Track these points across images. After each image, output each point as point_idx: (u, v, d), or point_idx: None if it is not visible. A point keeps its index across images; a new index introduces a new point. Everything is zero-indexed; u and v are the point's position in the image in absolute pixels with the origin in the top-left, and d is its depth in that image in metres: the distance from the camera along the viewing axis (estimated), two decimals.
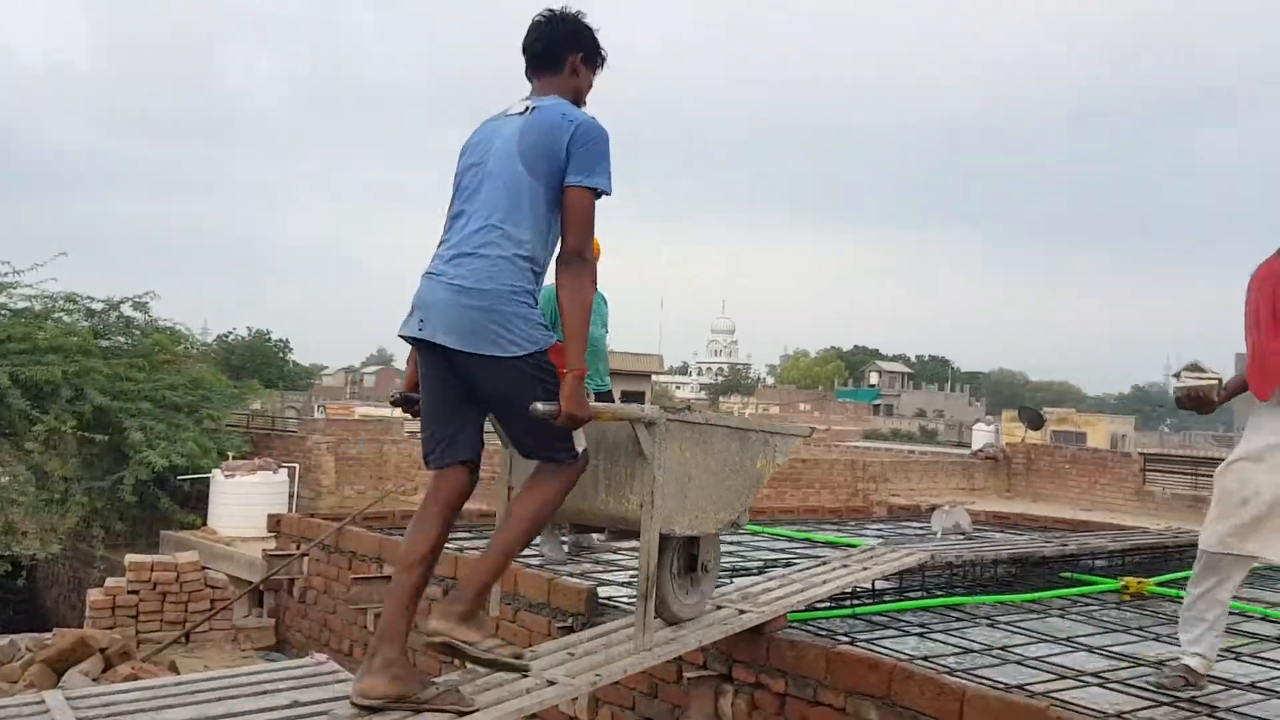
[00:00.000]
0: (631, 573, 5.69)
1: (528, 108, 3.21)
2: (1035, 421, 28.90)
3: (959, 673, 3.85)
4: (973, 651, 4.27)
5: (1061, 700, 3.56)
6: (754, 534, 7.70)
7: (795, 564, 5.65)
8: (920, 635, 4.52)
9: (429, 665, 4.91)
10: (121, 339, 14.94)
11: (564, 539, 6.24)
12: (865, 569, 5.05)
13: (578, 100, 3.33)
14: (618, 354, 34.54)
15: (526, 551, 6.17)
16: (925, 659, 4.06)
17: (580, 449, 3.17)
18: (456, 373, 3.07)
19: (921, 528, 8.33)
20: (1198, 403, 3.85)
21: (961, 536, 7.33)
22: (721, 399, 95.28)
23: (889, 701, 3.58)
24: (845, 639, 4.25)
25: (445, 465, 3.18)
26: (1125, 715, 3.46)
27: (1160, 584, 5.73)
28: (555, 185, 3.09)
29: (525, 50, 3.36)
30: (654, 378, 41.66)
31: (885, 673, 3.60)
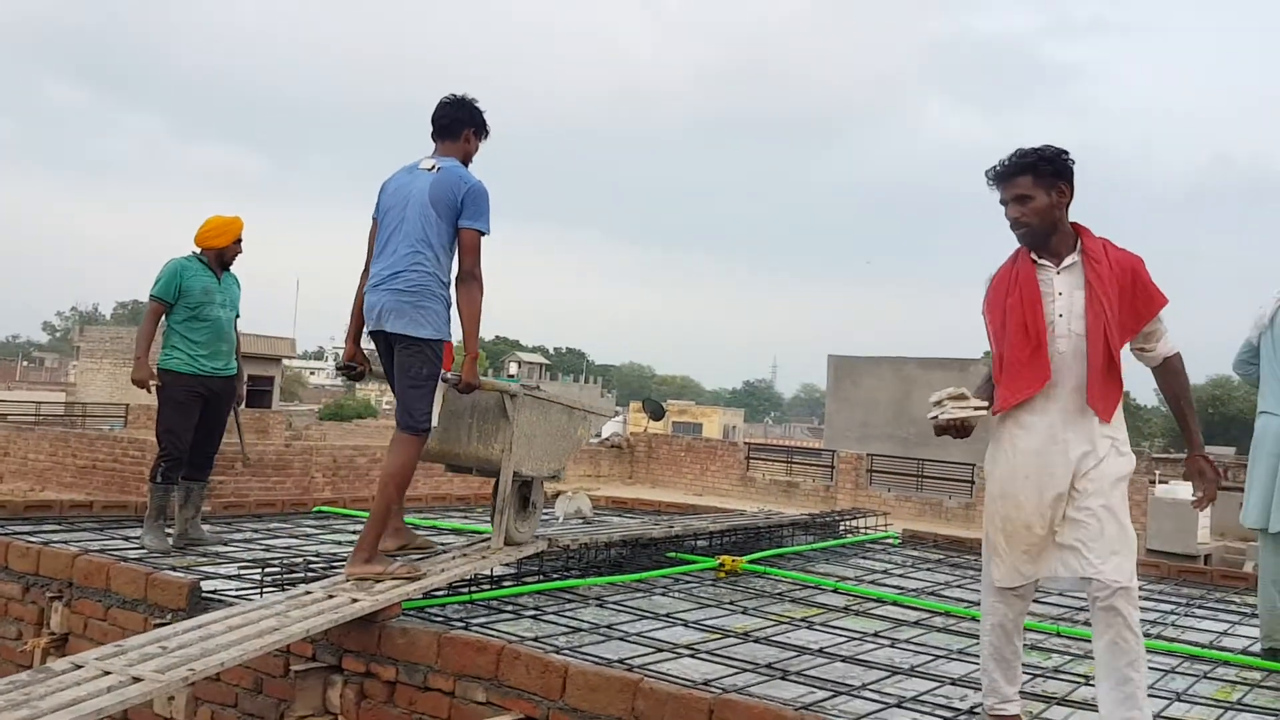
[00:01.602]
0: (241, 564, 5.43)
1: (434, 167, 4.59)
2: (657, 413, 30.58)
3: (566, 651, 4.02)
4: (581, 630, 4.47)
5: (656, 671, 3.81)
6: None
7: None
8: (534, 617, 4.66)
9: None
10: None
11: (169, 530, 5.84)
12: (484, 557, 5.13)
13: (466, 159, 4.74)
14: (246, 335, 32.79)
15: (125, 545, 5.73)
16: (536, 639, 4.19)
17: (431, 424, 4.51)
18: (390, 348, 4.52)
19: (546, 513, 8.58)
20: (960, 431, 3.45)
21: (582, 521, 7.62)
22: (359, 385, 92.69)
23: (497, 682, 3.67)
24: (460, 624, 4.30)
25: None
26: (711, 682, 3.76)
27: (751, 561, 6.28)
28: (453, 224, 4.50)
29: (434, 121, 4.72)
30: (285, 361, 39.87)
31: (493, 654, 3.69)
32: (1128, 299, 3.30)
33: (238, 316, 6.14)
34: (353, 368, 4.83)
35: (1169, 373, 3.48)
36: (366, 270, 4.66)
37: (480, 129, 4.79)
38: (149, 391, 5.93)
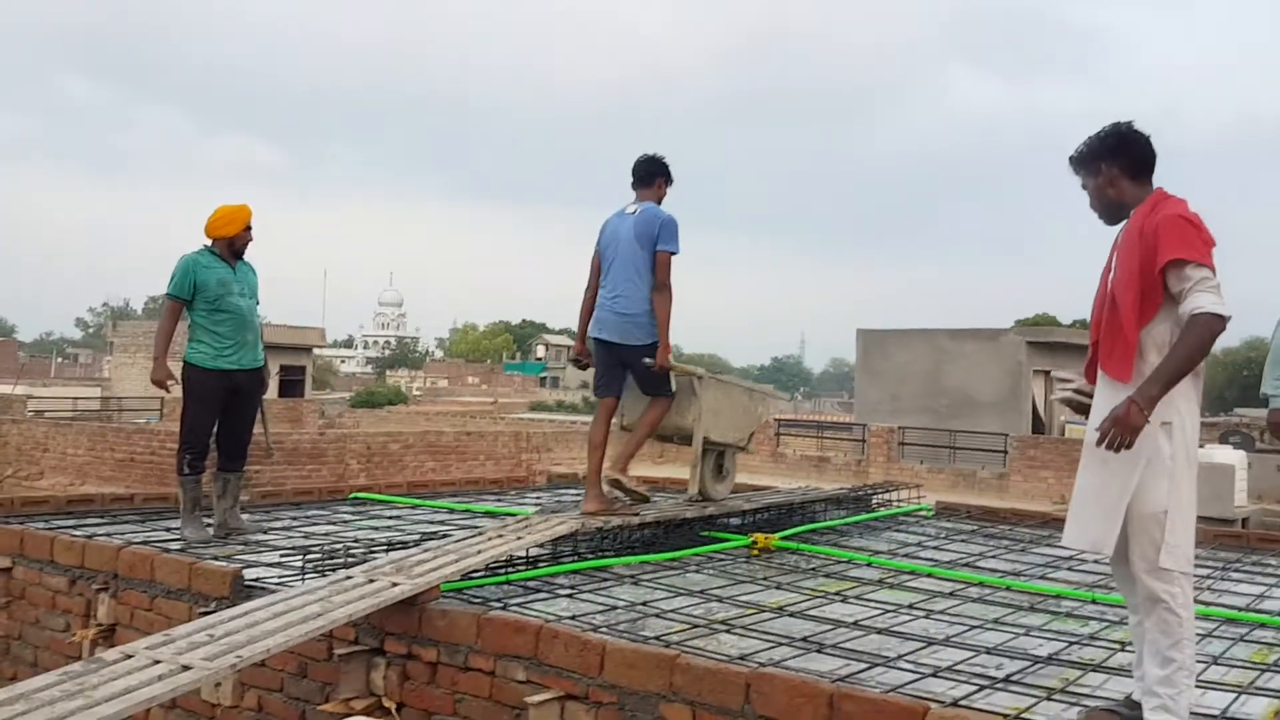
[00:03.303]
0: (281, 552, 5.52)
1: (636, 210, 6.04)
2: None
3: (603, 629, 4.06)
4: (617, 609, 4.51)
5: (693, 647, 3.85)
6: (414, 507, 7.68)
7: (453, 535, 5.71)
8: (570, 596, 4.71)
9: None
10: None
11: (208, 521, 5.93)
12: (520, 538, 5.19)
13: (659, 201, 6.13)
14: (276, 327, 32.88)
15: (167, 537, 5.84)
16: (573, 618, 4.24)
17: (672, 390, 6.08)
18: (614, 354, 6.00)
19: (578, 495, 8.63)
20: (1081, 409, 3.59)
21: (614, 501, 7.66)
22: (389, 373, 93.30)
23: (536, 661, 3.73)
24: (498, 605, 4.36)
25: (607, 395, 6.11)
26: (747, 656, 3.80)
27: (784, 538, 6.30)
28: (652, 251, 5.90)
29: (634, 173, 6.19)
30: (315, 351, 40.12)
31: (532, 633, 3.74)
32: (1150, 257, 3.24)
33: (257, 304, 6.13)
34: (580, 360, 6.43)
35: (1183, 328, 3.19)
36: (589, 288, 6.18)
37: (668, 178, 6.23)
38: (167, 391, 5.98)
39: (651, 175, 6.19)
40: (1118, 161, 3.44)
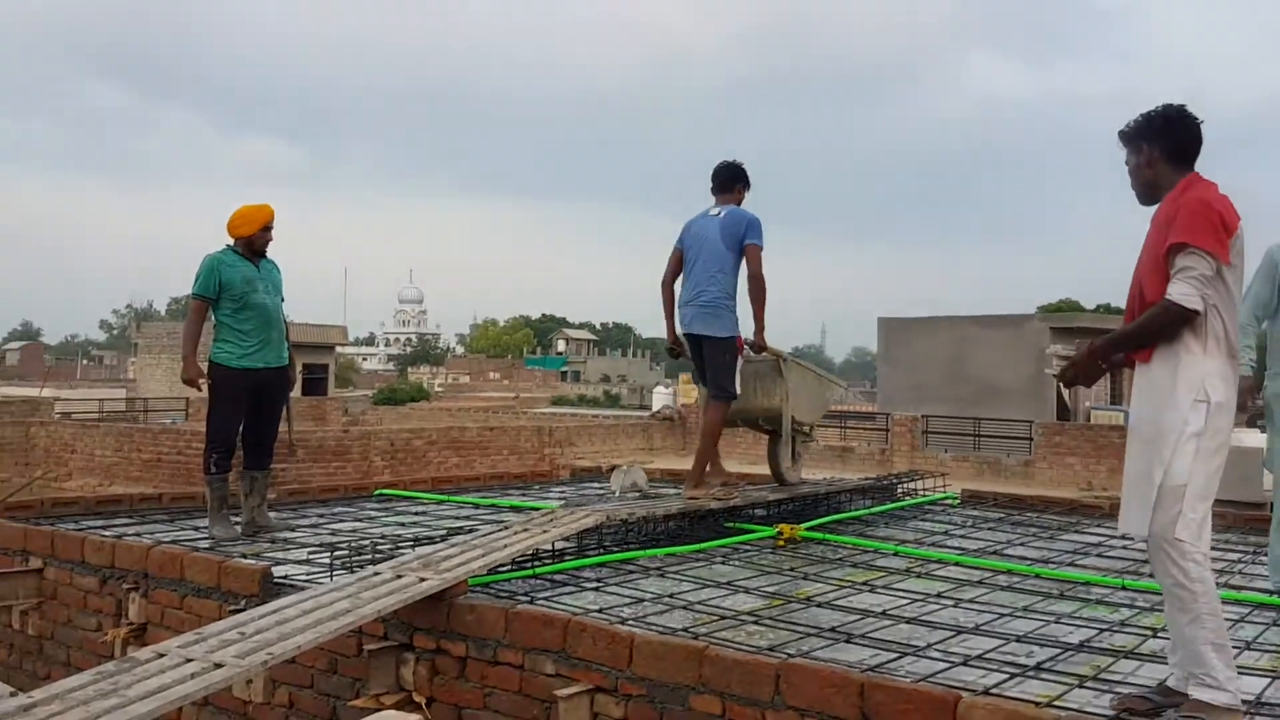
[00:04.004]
0: (309, 549, 5.55)
1: (720, 212, 6.43)
2: None
3: (630, 621, 4.06)
4: (644, 601, 4.51)
5: (720, 639, 3.85)
6: (439, 503, 7.71)
7: (479, 530, 5.72)
8: (597, 589, 4.72)
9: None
10: None
11: (236, 519, 5.97)
12: (545, 531, 5.20)
13: (738, 204, 6.52)
14: (299, 325, 33.09)
15: (196, 535, 5.88)
16: (600, 611, 4.25)
17: (736, 391, 6.39)
18: (698, 345, 6.43)
19: (602, 487, 8.63)
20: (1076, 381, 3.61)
21: (638, 494, 7.66)
22: (410, 369, 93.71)
23: (565, 654, 3.73)
24: (525, 599, 4.37)
25: (703, 383, 6.61)
26: (776, 647, 3.79)
27: (810, 529, 6.28)
28: (738, 250, 6.32)
29: (714, 178, 6.60)
30: (338, 349, 40.37)
31: (560, 627, 3.75)
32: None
33: (282, 300, 6.16)
34: (673, 350, 6.81)
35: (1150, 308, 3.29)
36: (667, 280, 6.65)
37: (746, 183, 6.66)
38: (199, 389, 6.01)
39: (732, 180, 6.62)
40: (1159, 143, 3.45)
